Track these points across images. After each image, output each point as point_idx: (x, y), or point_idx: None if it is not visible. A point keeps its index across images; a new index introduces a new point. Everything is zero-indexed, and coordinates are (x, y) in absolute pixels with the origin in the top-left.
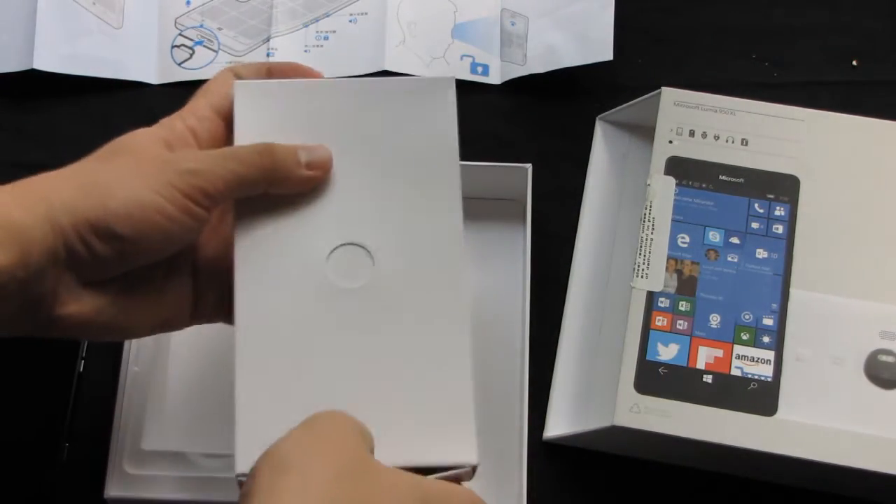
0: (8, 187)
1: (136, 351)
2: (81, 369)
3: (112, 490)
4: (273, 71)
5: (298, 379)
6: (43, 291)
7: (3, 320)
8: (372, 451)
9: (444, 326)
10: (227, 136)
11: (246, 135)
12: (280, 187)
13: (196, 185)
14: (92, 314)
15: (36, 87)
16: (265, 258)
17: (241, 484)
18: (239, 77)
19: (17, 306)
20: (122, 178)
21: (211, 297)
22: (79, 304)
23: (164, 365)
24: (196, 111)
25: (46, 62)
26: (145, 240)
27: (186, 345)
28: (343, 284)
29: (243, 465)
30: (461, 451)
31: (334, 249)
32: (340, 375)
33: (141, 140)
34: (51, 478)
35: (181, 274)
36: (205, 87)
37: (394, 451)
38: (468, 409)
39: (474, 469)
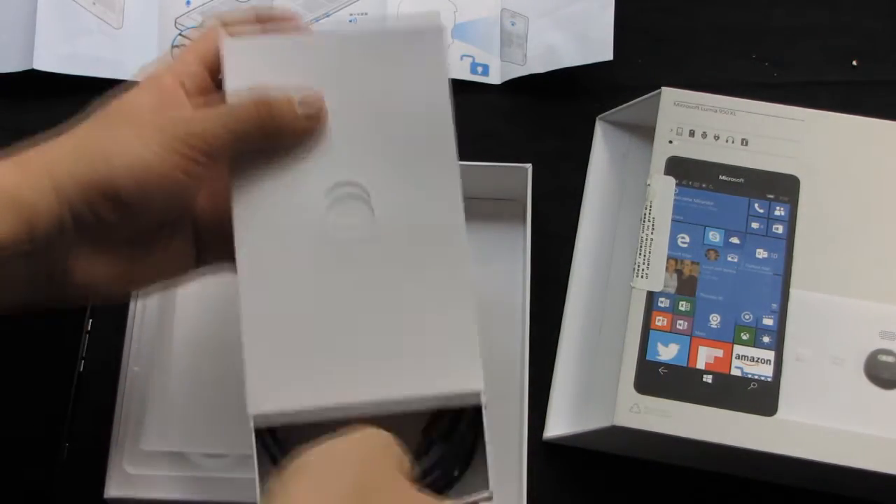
0: (10, 162)
1: (136, 351)
2: (81, 369)
3: (112, 490)
4: (261, 16)
5: (303, 320)
6: (53, 261)
7: (16, 291)
8: (405, 473)
9: (446, 265)
10: (216, 89)
11: (237, 94)
12: (277, 138)
13: (195, 144)
14: (102, 276)
15: (36, 87)
16: (263, 209)
17: (254, 428)
18: (226, 24)
19: (29, 277)
20: (122, 142)
21: (213, 249)
22: (89, 269)
23: (164, 365)
24: (185, 65)
25: (46, 62)
26: (149, 200)
27: (187, 344)
28: (343, 231)
29: (254, 406)
30: (467, 380)
31: (332, 198)
32: (344, 315)
33: (135, 102)
34: (51, 478)
35: (183, 231)
36: (193, 41)
37: (400, 383)
38: (473, 339)
39: (490, 498)
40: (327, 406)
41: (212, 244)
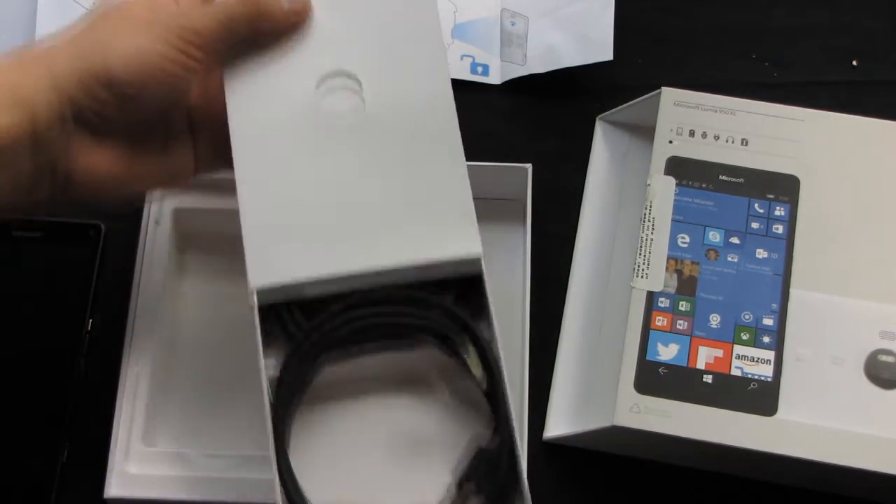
0: (10, 59)
1: (136, 351)
2: (81, 369)
3: (112, 490)
4: None
5: (300, 197)
6: (55, 155)
7: (19, 187)
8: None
9: (437, 138)
10: None
11: None
12: (266, 32)
13: (189, 37)
14: (104, 170)
15: None
16: (256, 100)
17: (258, 305)
18: None
19: (32, 172)
20: (119, 35)
21: (211, 152)
22: (90, 164)
23: (164, 365)
24: None
25: None
26: (145, 88)
27: (187, 344)
28: (335, 116)
29: (255, 280)
30: (466, 245)
31: (325, 88)
32: (340, 190)
33: (130, 3)
34: (51, 478)
35: (181, 132)
36: None
37: (399, 252)
38: (469, 208)
39: None
40: (328, 276)
41: (210, 147)
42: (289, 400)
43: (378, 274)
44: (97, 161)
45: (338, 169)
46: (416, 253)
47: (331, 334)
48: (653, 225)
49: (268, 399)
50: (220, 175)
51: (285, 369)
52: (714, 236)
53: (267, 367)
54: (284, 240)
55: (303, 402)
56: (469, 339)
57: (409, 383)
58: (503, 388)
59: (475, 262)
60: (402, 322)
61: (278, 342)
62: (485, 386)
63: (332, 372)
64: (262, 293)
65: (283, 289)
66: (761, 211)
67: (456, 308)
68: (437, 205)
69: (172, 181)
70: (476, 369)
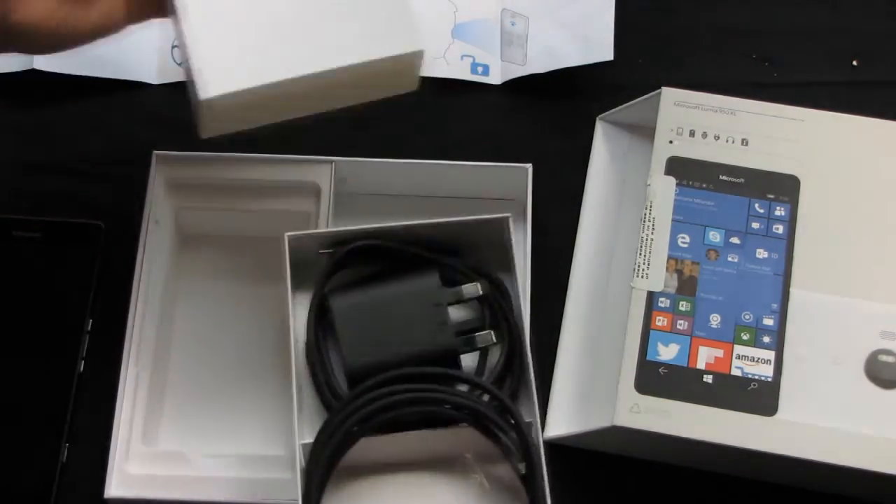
0: None
1: (137, 351)
2: (81, 369)
3: (112, 490)
4: None
5: (242, 9)
6: None
7: None
8: None
9: None
10: None
11: None
12: None
13: None
14: (42, 17)
15: (36, 87)
16: None
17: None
18: None
19: None
20: None
21: (143, 4)
22: (30, 8)
23: (164, 365)
24: None
25: (46, 62)
26: None
27: (187, 344)
28: None
29: (203, 91)
30: (405, 41)
31: None
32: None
33: None
34: (51, 478)
35: None
36: None
37: (343, 53)
38: (407, 6)
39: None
40: (275, 81)
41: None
42: (321, 469)
43: (325, 74)
44: (35, 9)
45: None
46: (358, 53)
47: (367, 406)
48: (653, 225)
49: (293, 344)
50: (220, 175)
51: (319, 438)
52: (714, 236)
53: (301, 435)
54: (230, 51)
55: (335, 476)
56: (509, 423)
57: (444, 463)
58: (541, 473)
59: (418, 55)
60: (440, 398)
61: (314, 410)
62: (522, 471)
63: (368, 444)
64: (209, 103)
65: (232, 96)
66: (761, 211)
67: (496, 389)
68: (375, 8)
69: (105, 31)
70: (514, 454)
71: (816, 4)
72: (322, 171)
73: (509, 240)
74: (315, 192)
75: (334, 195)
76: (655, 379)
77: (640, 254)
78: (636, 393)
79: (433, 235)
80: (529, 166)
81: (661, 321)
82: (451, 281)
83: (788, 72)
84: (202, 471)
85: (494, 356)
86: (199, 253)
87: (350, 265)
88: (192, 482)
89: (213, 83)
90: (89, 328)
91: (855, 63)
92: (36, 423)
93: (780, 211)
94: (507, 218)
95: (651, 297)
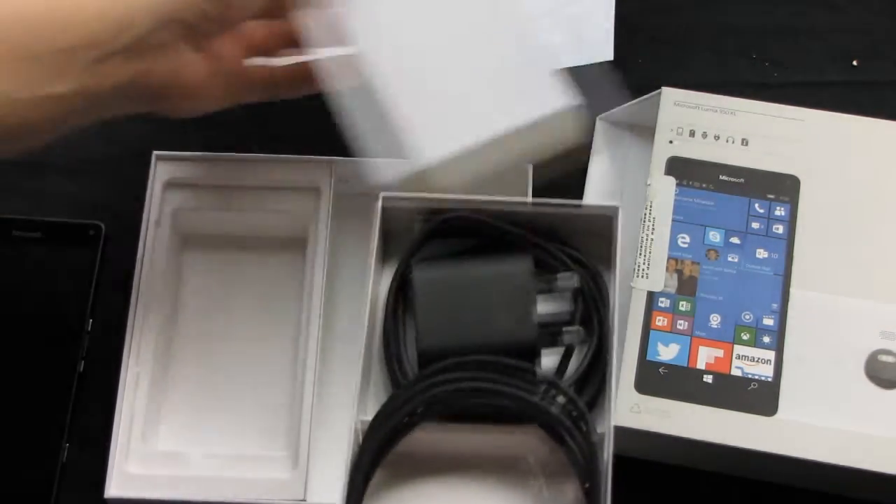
0: None
1: (137, 351)
2: (81, 369)
3: (112, 490)
4: None
5: (424, 68)
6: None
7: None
8: None
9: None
10: None
11: None
12: None
13: None
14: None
15: None
16: None
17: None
18: None
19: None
20: None
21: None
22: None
23: (164, 365)
24: None
25: None
26: None
27: (187, 344)
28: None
29: (420, 156)
30: (556, 99)
31: None
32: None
33: None
34: (51, 478)
35: None
36: None
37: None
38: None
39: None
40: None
41: None
42: (375, 447)
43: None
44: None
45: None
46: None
47: (432, 389)
48: (653, 225)
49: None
50: (220, 176)
51: (379, 416)
52: (714, 236)
53: (362, 410)
54: (430, 112)
55: (389, 460)
56: (581, 431)
57: (503, 464)
58: (605, 491)
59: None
60: (511, 393)
61: (380, 387)
62: (587, 485)
63: (427, 430)
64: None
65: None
66: (761, 211)
67: (574, 393)
68: (523, 71)
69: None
70: (581, 465)
71: (816, 4)
72: (322, 171)
73: (616, 232)
74: (315, 192)
75: (334, 195)
76: (655, 379)
77: (640, 254)
78: (636, 393)
79: (533, 217)
80: (530, 166)
81: (661, 321)
82: (545, 267)
83: (788, 72)
84: (202, 471)
85: (577, 356)
86: (199, 253)
87: (443, 236)
88: (192, 482)
89: (425, 152)
90: (89, 328)
91: (855, 63)
92: (36, 423)
93: (780, 211)
94: (616, 208)
95: (651, 296)
